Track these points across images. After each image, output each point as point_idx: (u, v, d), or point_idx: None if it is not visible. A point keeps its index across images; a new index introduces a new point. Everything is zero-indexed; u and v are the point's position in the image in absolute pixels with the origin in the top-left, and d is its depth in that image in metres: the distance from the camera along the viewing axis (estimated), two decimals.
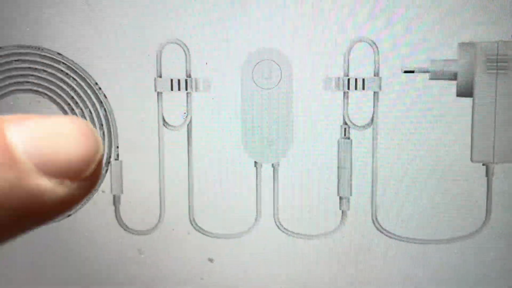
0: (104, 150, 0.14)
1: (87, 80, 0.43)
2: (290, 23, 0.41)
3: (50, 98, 0.43)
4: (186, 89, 0.43)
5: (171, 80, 0.42)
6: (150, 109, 0.43)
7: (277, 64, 0.42)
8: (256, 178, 0.43)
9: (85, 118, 0.44)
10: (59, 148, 0.13)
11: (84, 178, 0.14)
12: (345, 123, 0.42)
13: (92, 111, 0.43)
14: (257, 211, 0.44)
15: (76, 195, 0.14)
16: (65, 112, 0.44)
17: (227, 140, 0.43)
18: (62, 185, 0.14)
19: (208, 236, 0.44)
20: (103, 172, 0.44)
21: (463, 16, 0.40)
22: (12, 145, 0.13)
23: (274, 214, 0.43)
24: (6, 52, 0.43)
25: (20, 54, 0.43)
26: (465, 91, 0.41)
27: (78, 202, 0.14)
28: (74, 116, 0.14)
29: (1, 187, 0.13)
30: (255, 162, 0.43)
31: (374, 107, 0.42)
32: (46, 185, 0.13)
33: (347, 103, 0.42)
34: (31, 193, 0.13)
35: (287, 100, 0.42)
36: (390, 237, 0.43)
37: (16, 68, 0.43)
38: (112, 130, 0.43)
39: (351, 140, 0.42)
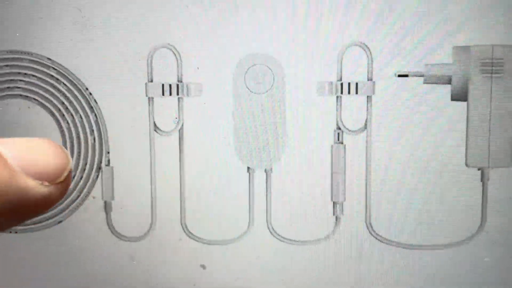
0: (73, 162, 0.19)
1: (78, 85, 0.42)
2: (283, 28, 0.41)
3: (40, 103, 0.43)
4: (178, 94, 0.42)
5: (163, 85, 0.42)
6: (141, 114, 0.43)
7: (270, 69, 0.42)
8: (249, 184, 0.43)
9: (75, 123, 0.43)
10: (39, 158, 0.18)
11: (59, 182, 0.18)
12: (339, 128, 0.42)
13: (83, 117, 0.43)
14: (250, 217, 0.43)
15: (53, 195, 0.18)
16: (55, 118, 0.43)
17: (219, 145, 0.42)
18: (43, 185, 0.17)
19: (201, 242, 0.44)
20: (94, 177, 0.43)
21: (457, 20, 0.40)
22: (2, 153, 0.17)
23: (267, 220, 0.43)
24: None
25: (10, 59, 0.42)
26: (460, 95, 0.40)
27: (55, 201, 0.18)
28: (48, 138, 0.18)
29: None
30: (248, 168, 0.43)
31: (367, 111, 0.41)
32: (32, 184, 0.17)
33: (341, 108, 0.42)
34: (21, 189, 0.17)
35: (279, 105, 0.42)
36: (384, 242, 0.42)
37: (6, 74, 0.43)
38: (103, 135, 0.43)
39: (345, 145, 0.42)
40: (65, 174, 0.18)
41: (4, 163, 0.17)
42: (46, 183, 0.17)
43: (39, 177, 0.17)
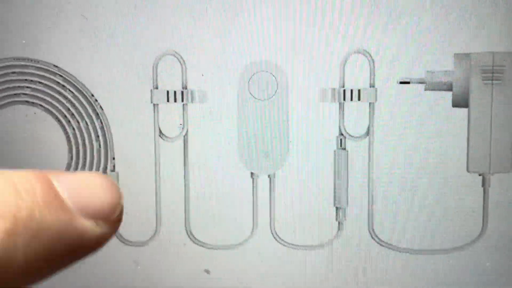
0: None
1: (83, 92, 0.43)
2: (286, 35, 0.41)
3: (46, 109, 0.43)
4: (182, 101, 0.43)
5: (167, 92, 0.42)
6: (146, 121, 0.43)
7: (273, 76, 0.42)
8: (253, 189, 0.43)
9: (81, 129, 0.44)
10: (94, 196, 0.17)
11: (112, 220, 0.17)
12: (341, 134, 0.42)
13: (88, 123, 0.43)
14: (253, 222, 0.43)
15: (107, 234, 0.17)
16: (61, 124, 0.44)
17: (223, 151, 0.43)
18: (98, 225, 0.17)
19: (205, 247, 0.44)
20: None
21: (458, 28, 0.40)
22: (59, 194, 0.16)
23: (270, 225, 0.43)
24: (2, 65, 0.43)
25: (17, 66, 0.43)
26: (461, 102, 0.41)
27: (108, 240, 0.18)
28: (99, 172, 0.18)
29: (57, 226, 0.16)
30: (252, 173, 0.43)
31: (370, 118, 0.42)
32: (88, 225, 0.17)
33: (343, 114, 0.42)
34: (78, 231, 0.16)
35: (283, 111, 0.42)
36: (386, 247, 0.43)
37: (12, 80, 0.43)
38: (108, 141, 0.43)
39: (347, 151, 0.42)
40: (118, 211, 0.18)
41: (61, 204, 0.16)
42: (101, 222, 0.17)
43: (95, 216, 0.17)
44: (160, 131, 0.43)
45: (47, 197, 0.16)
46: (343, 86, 0.42)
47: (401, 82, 0.41)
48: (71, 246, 0.16)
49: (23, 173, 0.16)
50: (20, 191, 0.16)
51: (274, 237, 0.43)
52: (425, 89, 0.41)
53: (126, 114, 0.43)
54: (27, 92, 0.43)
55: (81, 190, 0.17)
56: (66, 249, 0.16)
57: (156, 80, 0.42)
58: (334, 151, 0.42)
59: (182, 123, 0.43)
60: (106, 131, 0.43)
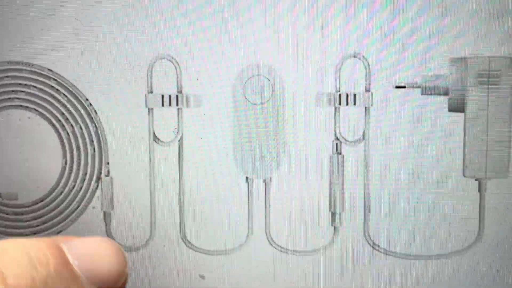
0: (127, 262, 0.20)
1: (78, 96, 0.43)
2: (282, 39, 0.41)
3: (40, 114, 0.43)
4: (177, 105, 0.42)
5: (162, 96, 0.42)
6: (141, 125, 0.43)
7: (268, 80, 0.42)
8: (248, 194, 0.43)
9: (75, 134, 0.43)
10: (101, 264, 0.18)
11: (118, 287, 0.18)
12: (337, 139, 0.42)
13: (83, 127, 0.43)
14: (248, 227, 0.43)
15: None
16: (55, 129, 0.43)
17: (218, 155, 0.43)
18: None
19: (200, 252, 0.44)
20: (94, 188, 0.44)
21: (454, 32, 0.40)
22: (70, 262, 0.17)
23: (265, 230, 0.43)
24: None
25: (11, 70, 0.43)
26: (457, 106, 0.41)
27: None
28: (106, 237, 0.19)
29: None
30: (247, 178, 0.43)
31: (365, 122, 0.42)
32: None
33: (339, 119, 0.42)
34: None
35: (278, 116, 0.42)
36: (382, 252, 0.43)
37: (6, 84, 0.43)
38: (102, 146, 0.43)
39: (343, 156, 0.42)
40: (123, 279, 0.18)
41: (71, 274, 0.17)
42: None
43: (99, 283, 0.18)
44: (155, 136, 0.43)
45: (59, 267, 0.17)
46: (339, 91, 0.42)
47: (397, 87, 0.41)
48: None
49: (36, 243, 0.17)
50: (34, 262, 0.16)
51: (270, 242, 0.43)
52: (421, 94, 0.41)
53: (120, 119, 0.43)
54: (21, 96, 0.43)
55: (89, 258, 0.18)
56: None
57: (151, 84, 0.42)
58: (330, 156, 0.42)
59: (177, 127, 0.43)
60: (100, 136, 0.43)
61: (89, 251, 0.18)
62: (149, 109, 0.43)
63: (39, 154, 0.44)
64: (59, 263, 0.17)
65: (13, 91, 0.43)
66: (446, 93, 0.41)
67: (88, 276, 0.17)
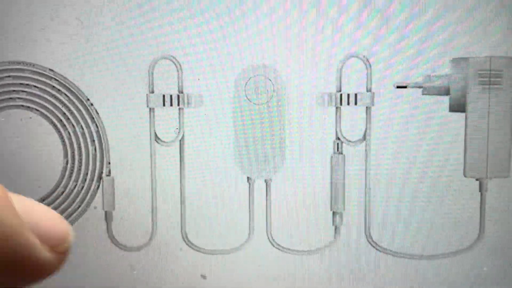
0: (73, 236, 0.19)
1: (79, 96, 0.43)
2: (283, 39, 0.41)
3: (41, 114, 0.43)
4: (178, 105, 0.42)
5: (163, 96, 0.42)
6: (142, 125, 0.43)
7: (270, 80, 0.42)
8: (249, 194, 0.43)
9: (76, 134, 0.43)
10: (44, 221, 0.17)
11: (59, 251, 0.17)
12: (338, 138, 0.42)
13: (84, 127, 0.43)
14: (249, 227, 0.43)
15: (52, 263, 0.17)
16: (57, 129, 0.43)
17: (219, 155, 0.43)
18: (45, 250, 0.17)
19: (201, 252, 0.44)
20: (95, 188, 0.44)
21: (455, 32, 0.40)
22: (14, 205, 0.16)
23: (267, 230, 0.43)
24: None
25: (12, 70, 0.43)
26: (458, 106, 0.41)
27: (52, 271, 0.17)
28: (48, 207, 0.18)
29: (9, 229, 0.16)
30: (248, 178, 0.43)
31: (366, 122, 0.42)
32: (36, 243, 0.16)
33: (340, 119, 0.42)
34: (27, 244, 0.16)
35: (279, 116, 0.42)
36: (383, 252, 0.43)
37: (7, 84, 0.43)
38: (104, 146, 0.43)
39: (344, 155, 0.42)
40: (66, 244, 0.17)
41: (15, 213, 0.16)
42: (48, 248, 0.17)
43: (43, 240, 0.17)
44: (156, 136, 0.43)
45: (3, 202, 0.16)
46: (340, 91, 0.42)
47: (398, 87, 0.41)
48: (17, 257, 0.16)
49: None
50: None
51: (271, 242, 0.43)
52: (422, 94, 0.41)
53: (121, 119, 0.43)
54: (22, 96, 0.43)
55: (34, 212, 0.17)
56: (11, 259, 0.16)
57: (152, 84, 0.42)
58: (331, 156, 0.42)
59: (178, 127, 0.43)
60: (101, 136, 0.43)
61: (33, 207, 0.17)
62: (150, 109, 0.43)
63: (40, 154, 0.44)
64: (4, 199, 0.16)
65: (14, 91, 0.43)
66: (447, 93, 0.41)
67: (30, 224, 0.16)
